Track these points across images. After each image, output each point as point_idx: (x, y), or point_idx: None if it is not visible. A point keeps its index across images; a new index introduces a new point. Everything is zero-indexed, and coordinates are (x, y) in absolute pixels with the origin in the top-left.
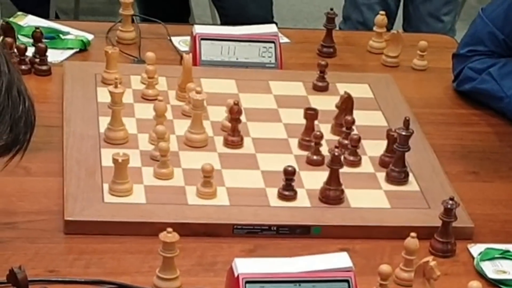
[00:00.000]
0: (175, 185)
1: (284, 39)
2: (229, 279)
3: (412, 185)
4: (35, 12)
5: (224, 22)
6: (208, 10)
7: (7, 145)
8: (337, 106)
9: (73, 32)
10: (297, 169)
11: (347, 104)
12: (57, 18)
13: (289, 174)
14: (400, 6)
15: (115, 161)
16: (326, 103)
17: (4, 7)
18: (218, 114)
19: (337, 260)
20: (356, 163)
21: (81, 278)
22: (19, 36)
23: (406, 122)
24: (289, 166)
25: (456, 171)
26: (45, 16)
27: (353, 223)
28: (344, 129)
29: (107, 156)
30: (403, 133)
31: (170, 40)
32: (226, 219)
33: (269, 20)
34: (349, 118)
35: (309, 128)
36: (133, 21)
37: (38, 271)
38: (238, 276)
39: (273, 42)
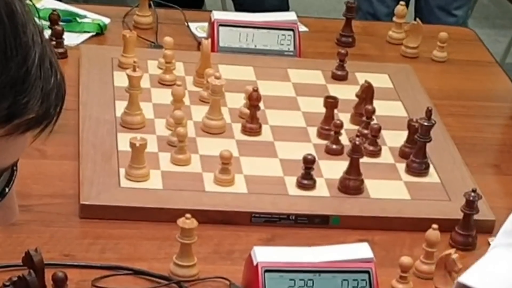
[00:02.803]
0: (192, 171)
1: (302, 28)
2: (248, 268)
3: (433, 177)
4: None
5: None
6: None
7: (38, 117)
8: (357, 95)
9: (90, 16)
10: (316, 158)
11: (367, 93)
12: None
13: (309, 163)
14: (411, 0)
15: (132, 145)
16: (345, 92)
17: None
18: (236, 100)
19: (357, 250)
20: (376, 153)
21: (96, 263)
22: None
23: (428, 112)
24: (308, 154)
25: (477, 164)
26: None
27: (372, 214)
28: (364, 118)
29: (123, 140)
30: (425, 124)
31: (188, 25)
32: (244, 207)
33: (285, 10)
34: (369, 107)
35: (329, 116)
36: (150, 5)
37: (53, 255)
38: (257, 264)
39: (292, 30)
